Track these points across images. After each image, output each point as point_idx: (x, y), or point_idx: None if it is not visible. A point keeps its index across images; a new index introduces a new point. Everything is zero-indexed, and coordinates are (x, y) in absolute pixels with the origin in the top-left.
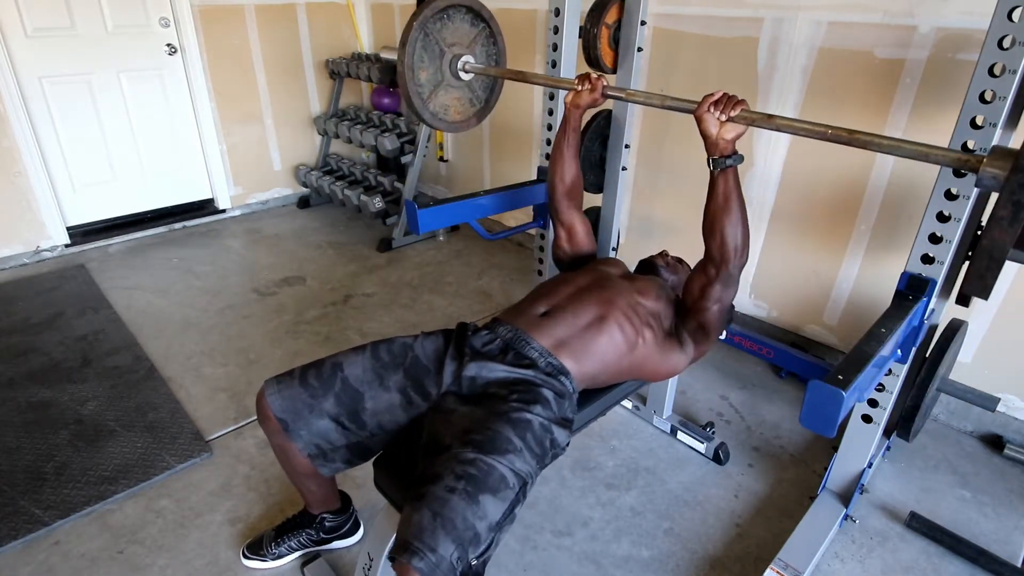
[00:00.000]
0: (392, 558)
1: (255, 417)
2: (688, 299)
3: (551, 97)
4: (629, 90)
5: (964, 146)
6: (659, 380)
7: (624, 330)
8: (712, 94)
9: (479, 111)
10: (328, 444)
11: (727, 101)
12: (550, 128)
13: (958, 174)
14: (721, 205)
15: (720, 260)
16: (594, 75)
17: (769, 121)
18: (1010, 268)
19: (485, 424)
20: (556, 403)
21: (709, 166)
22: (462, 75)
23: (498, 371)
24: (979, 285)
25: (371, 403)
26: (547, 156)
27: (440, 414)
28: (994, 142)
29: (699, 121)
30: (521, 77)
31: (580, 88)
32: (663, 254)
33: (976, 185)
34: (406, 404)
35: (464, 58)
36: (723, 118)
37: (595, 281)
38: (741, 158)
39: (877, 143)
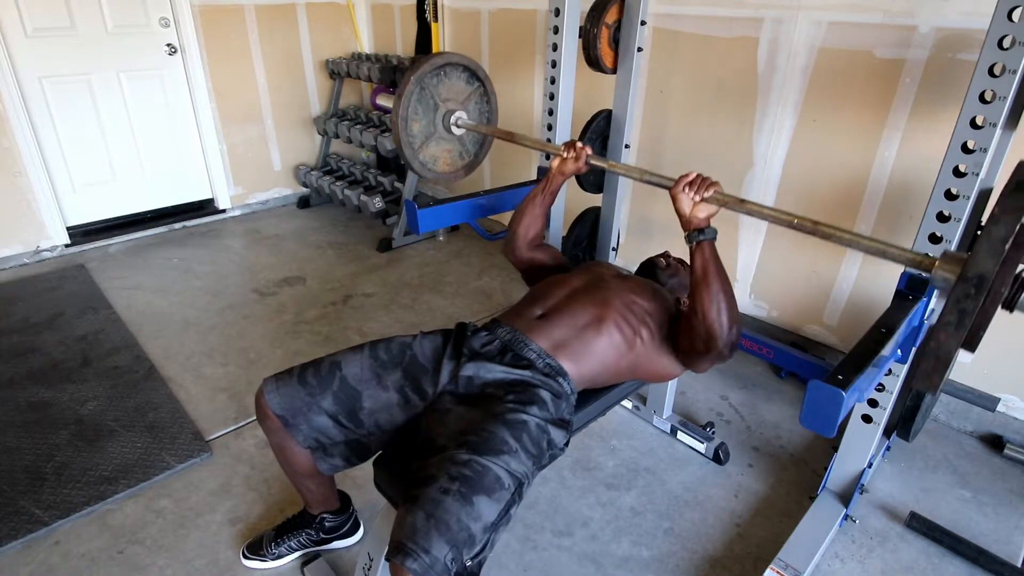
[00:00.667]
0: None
1: (255, 417)
2: (679, 344)
3: (551, 97)
4: (611, 161)
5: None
6: (659, 381)
7: (622, 330)
8: (687, 175)
9: (468, 164)
10: (327, 439)
11: (701, 183)
12: (550, 128)
13: (958, 174)
14: (700, 278)
15: (707, 337)
16: (579, 144)
17: (741, 205)
18: None
19: (480, 425)
20: (553, 404)
21: (686, 241)
22: (454, 129)
23: (496, 372)
24: (927, 383)
25: (369, 402)
26: (547, 156)
27: (436, 414)
28: (994, 142)
29: (674, 199)
30: (510, 138)
31: (566, 156)
32: (665, 255)
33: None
34: (403, 403)
35: (457, 114)
36: (696, 199)
37: (589, 282)
38: (714, 232)
39: (839, 236)
